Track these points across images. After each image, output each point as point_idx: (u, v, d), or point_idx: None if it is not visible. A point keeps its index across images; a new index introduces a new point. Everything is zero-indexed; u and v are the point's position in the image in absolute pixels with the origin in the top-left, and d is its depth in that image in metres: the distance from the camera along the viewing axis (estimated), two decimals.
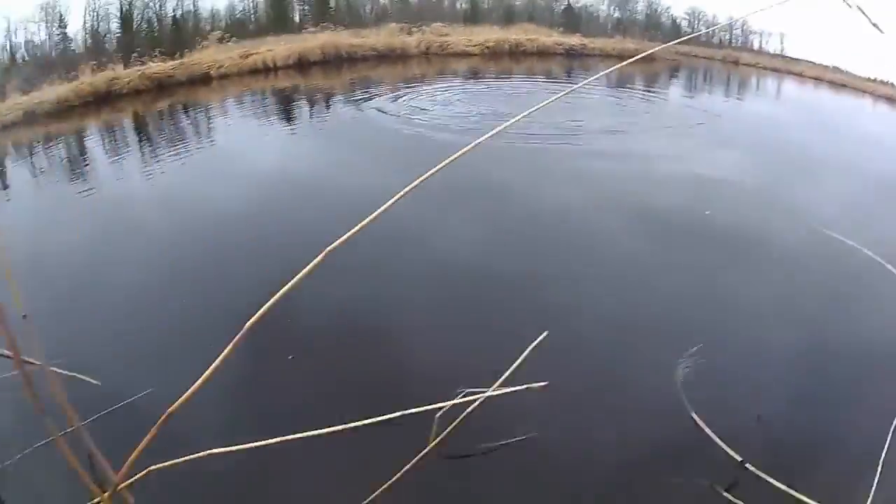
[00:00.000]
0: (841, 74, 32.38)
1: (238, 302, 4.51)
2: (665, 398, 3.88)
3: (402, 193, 0.99)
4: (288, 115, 12.82)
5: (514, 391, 1.35)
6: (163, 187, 8.41)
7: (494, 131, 1.15)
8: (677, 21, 35.98)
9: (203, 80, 15.45)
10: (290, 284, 1.00)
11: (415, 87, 15.14)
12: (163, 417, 0.99)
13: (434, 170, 1.03)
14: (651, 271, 5.95)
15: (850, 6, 0.98)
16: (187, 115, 13.33)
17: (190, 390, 0.98)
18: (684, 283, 5.72)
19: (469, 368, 3.60)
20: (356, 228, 0.98)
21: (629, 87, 18.92)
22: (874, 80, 31.14)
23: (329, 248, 0.97)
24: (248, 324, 1.00)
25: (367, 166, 8.80)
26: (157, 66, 15.14)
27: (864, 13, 1.00)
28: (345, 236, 0.97)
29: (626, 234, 6.79)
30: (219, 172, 9.14)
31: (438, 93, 14.26)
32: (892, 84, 30.50)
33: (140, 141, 11.24)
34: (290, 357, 4.24)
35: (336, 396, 3.91)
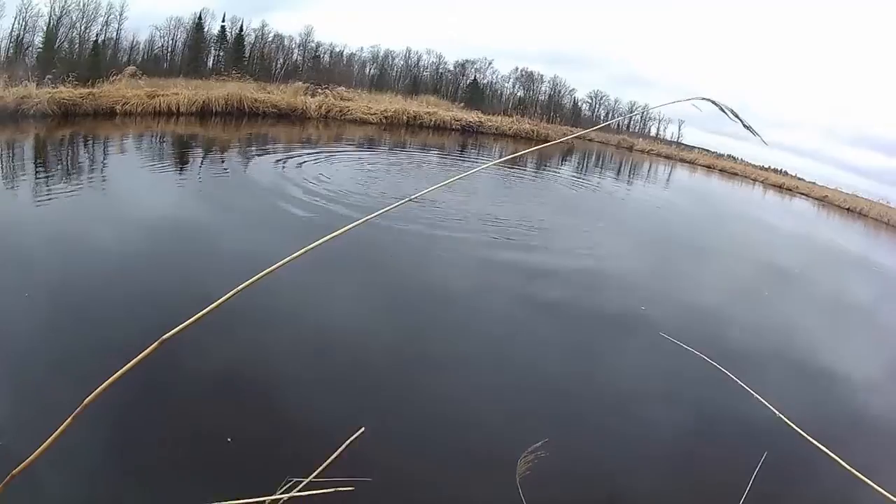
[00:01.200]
0: (733, 162, 36.20)
1: (98, 350, 4.75)
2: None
3: (295, 255, 0.96)
4: (183, 164, 13.68)
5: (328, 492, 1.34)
6: (48, 219, 8.56)
7: (401, 202, 1.16)
8: (579, 104, 39.53)
9: (108, 114, 16.83)
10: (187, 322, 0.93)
11: (312, 151, 16.36)
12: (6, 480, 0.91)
13: (332, 235, 0.99)
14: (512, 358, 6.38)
15: (736, 121, 1.04)
16: (86, 147, 14.65)
17: (36, 453, 0.90)
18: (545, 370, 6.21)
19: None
20: (251, 280, 0.94)
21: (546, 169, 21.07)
22: (766, 169, 35.03)
23: (226, 296, 0.92)
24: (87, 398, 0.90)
25: (245, 234, 9.17)
26: (68, 92, 16.40)
27: (749, 128, 1.05)
28: (241, 286, 0.93)
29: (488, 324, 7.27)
30: (104, 212, 9.45)
31: (336, 160, 15.47)
32: (785, 172, 34.27)
33: (36, 166, 11.84)
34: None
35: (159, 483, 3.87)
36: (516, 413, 5.28)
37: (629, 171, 29.75)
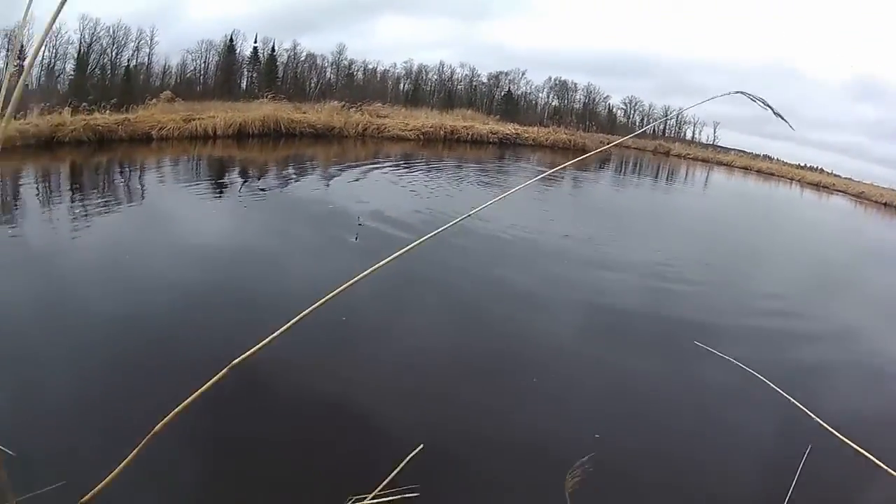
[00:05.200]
0: (769, 163, 35.19)
1: (166, 378, 4.47)
2: None
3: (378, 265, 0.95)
4: (222, 189, 13.00)
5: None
6: (90, 247, 8.31)
7: (483, 206, 1.17)
8: (614, 111, 38.65)
9: (144, 139, 16.38)
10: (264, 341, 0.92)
11: (356, 169, 15.81)
12: None
13: (423, 239, 0.99)
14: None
15: (767, 108, 1.04)
16: (123, 173, 14.14)
17: (104, 481, 0.90)
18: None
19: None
20: (325, 299, 0.93)
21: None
22: (802, 167, 34.07)
23: (299, 317, 0.91)
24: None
25: (306, 254, 8.90)
26: (103, 119, 15.99)
27: (779, 115, 1.05)
28: (311, 308, 0.93)
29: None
30: (144, 239, 9.03)
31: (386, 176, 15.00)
32: (822, 170, 33.36)
33: (73, 194, 11.46)
34: None
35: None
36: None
37: (670, 176, 29.17)
